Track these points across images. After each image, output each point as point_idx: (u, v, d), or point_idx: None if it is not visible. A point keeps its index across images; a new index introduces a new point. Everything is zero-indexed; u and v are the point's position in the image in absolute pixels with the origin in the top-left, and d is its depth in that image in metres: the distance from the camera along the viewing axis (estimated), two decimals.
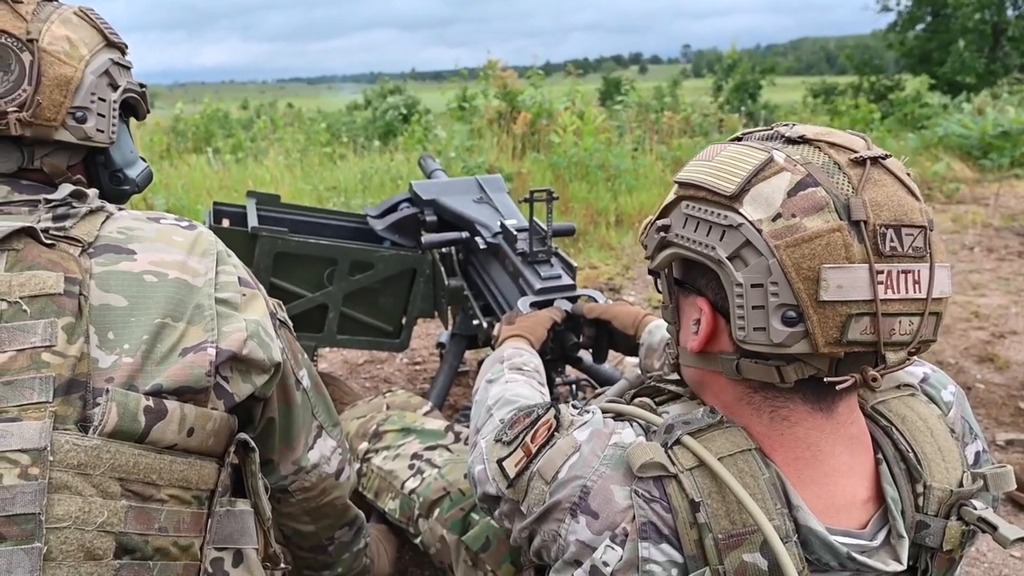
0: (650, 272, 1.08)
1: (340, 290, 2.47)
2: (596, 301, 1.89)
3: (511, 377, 1.44)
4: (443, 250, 2.52)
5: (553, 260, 2.07)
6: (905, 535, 0.95)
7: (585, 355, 1.99)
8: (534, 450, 1.04)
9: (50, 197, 1.09)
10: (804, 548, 0.91)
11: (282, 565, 1.21)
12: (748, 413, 0.97)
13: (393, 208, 2.67)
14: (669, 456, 0.94)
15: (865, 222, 0.85)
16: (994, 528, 0.94)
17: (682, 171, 0.99)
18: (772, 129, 0.99)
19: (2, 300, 0.95)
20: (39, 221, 1.04)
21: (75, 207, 1.08)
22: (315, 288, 2.46)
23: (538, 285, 1.98)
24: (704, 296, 0.98)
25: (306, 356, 1.33)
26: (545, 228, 2.06)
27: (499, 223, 2.30)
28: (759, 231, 0.87)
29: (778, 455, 0.95)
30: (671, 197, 1.00)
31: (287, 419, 1.26)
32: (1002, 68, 19.17)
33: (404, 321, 2.62)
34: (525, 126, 7.70)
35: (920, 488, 0.96)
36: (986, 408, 3.03)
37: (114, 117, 1.22)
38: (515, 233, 2.16)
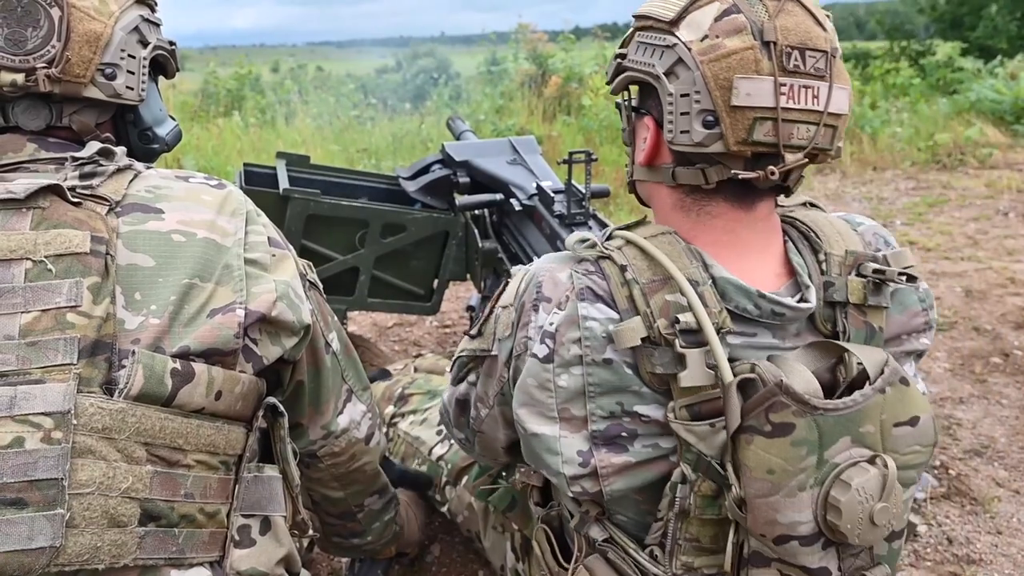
0: (616, 103, 1.23)
1: (372, 253, 2.44)
2: None
3: None
4: (476, 212, 2.48)
5: (591, 223, 2.03)
6: (811, 284, 1.09)
7: None
8: (495, 302, 1.22)
9: (77, 155, 1.06)
10: (723, 298, 1.04)
11: (310, 532, 1.19)
12: (680, 216, 1.13)
13: (425, 170, 2.63)
14: (604, 247, 1.10)
15: (774, 43, 1.00)
16: (882, 274, 1.07)
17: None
18: None
19: (27, 259, 0.93)
20: (65, 179, 1.02)
21: (102, 165, 1.05)
22: (346, 251, 2.44)
23: None
24: (651, 115, 1.12)
25: (336, 319, 1.30)
26: (583, 190, 2.01)
27: (534, 184, 2.26)
28: (689, 50, 1.03)
29: (699, 240, 1.10)
30: (629, 32, 1.15)
31: (316, 383, 1.23)
32: None
33: (436, 284, 2.59)
34: (556, 89, 7.60)
35: (822, 256, 1.12)
36: None
37: (144, 74, 1.19)
38: (551, 195, 2.11)
